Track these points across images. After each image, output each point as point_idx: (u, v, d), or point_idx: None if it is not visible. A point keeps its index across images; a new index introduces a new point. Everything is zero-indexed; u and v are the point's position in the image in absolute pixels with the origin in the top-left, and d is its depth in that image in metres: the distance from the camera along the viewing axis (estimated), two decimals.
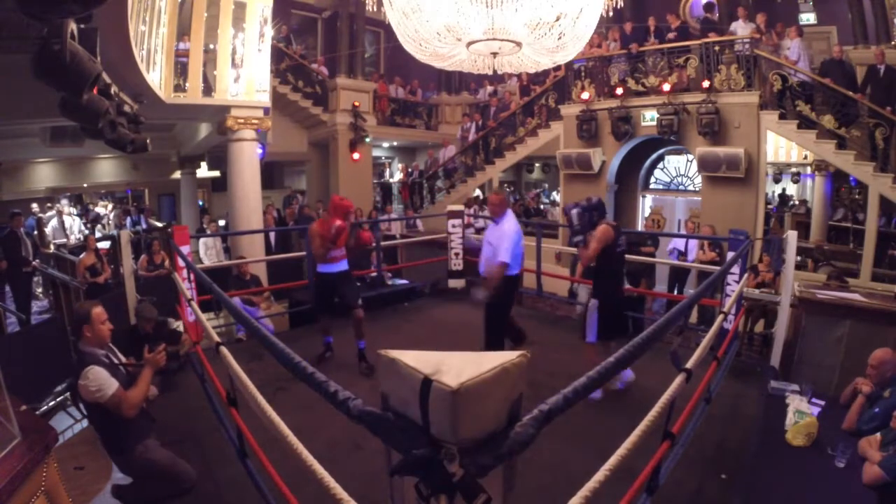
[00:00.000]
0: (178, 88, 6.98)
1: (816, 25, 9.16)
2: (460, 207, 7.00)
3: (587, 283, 4.27)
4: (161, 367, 2.64)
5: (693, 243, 6.93)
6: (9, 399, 1.81)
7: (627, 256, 5.53)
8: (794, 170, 10.27)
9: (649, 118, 8.37)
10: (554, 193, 14.21)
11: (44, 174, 12.58)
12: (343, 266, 4.23)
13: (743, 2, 8.21)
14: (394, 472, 1.15)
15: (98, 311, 2.49)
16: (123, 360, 2.67)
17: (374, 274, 6.45)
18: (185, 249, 4.69)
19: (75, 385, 2.37)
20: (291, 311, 6.41)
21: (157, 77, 6.24)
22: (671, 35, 8.47)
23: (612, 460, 1.42)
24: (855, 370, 3.37)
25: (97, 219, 12.92)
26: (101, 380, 2.33)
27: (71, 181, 13.13)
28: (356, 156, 11.11)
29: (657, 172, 10.01)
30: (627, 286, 5.75)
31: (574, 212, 3.75)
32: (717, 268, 4.81)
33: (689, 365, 2.16)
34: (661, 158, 9.88)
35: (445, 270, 6.53)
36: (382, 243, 6.69)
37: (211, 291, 2.91)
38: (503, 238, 3.80)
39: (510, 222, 3.94)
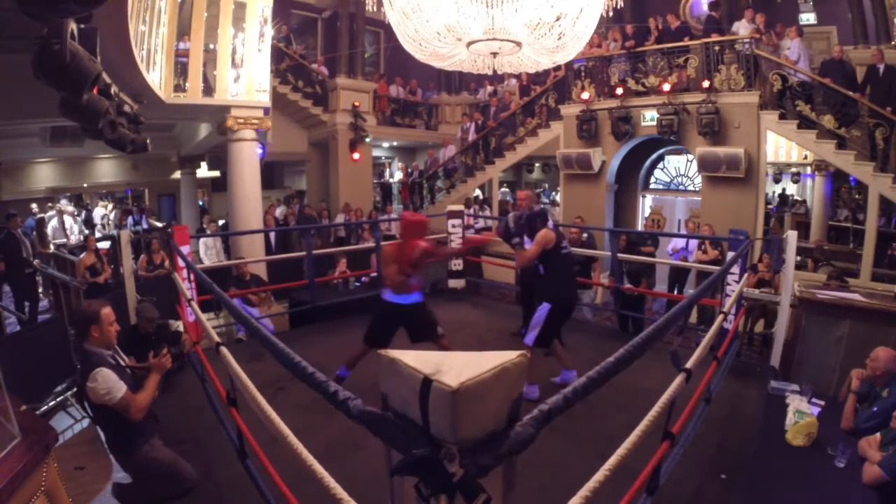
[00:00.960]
0: (178, 88, 6.98)
1: (816, 25, 9.15)
2: (460, 207, 7.00)
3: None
4: (167, 369, 2.64)
5: (693, 243, 6.93)
6: (9, 399, 1.81)
7: (628, 256, 5.58)
8: (794, 170, 10.27)
9: (649, 118, 8.36)
10: (554, 193, 14.21)
11: (44, 174, 12.59)
12: (417, 297, 3.58)
13: (744, 2, 8.21)
14: (394, 472, 1.15)
15: (107, 311, 2.46)
16: (128, 361, 2.67)
17: (374, 274, 6.45)
18: (185, 249, 4.69)
19: (82, 386, 2.35)
20: (291, 311, 6.41)
21: (157, 77, 6.24)
22: (673, 31, 8.46)
23: (612, 460, 1.42)
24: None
25: (89, 220, 12.89)
26: (110, 382, 2.31)
27: (71, 181, 13.14)
28: (356, 156, 11.11)
29: (657, 172, 10.01)
30: (628, 285, 5.75)
31: (510, 215, 3.99)
32: (717, 268, 4.82)
33: (689, 365, 2.16)
34: (661, 158, 9.88)
35: (445, 270, 6.53)
36: (382, 243, 6.68)
37: (211, 291, 2.91)
38: None
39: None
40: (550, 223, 3.68)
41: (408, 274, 3.42)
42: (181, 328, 4.78)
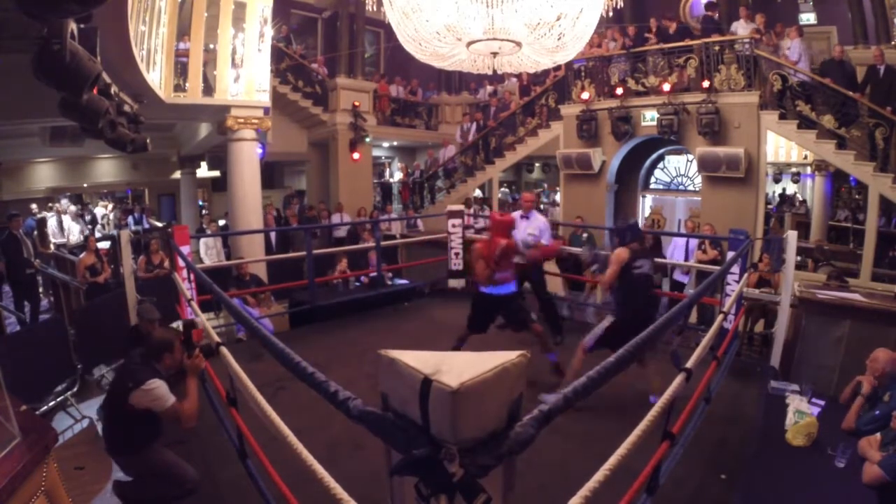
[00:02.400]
0: (178, 88, 6.98)
1: (816, 25, 9.15)
2: (460, 207, 7.00)
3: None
4: (201, 369, 2.72)
5: (693, 244, 6.93)
6: (9, 399, 1.81)
7: None
8: (794, 170, 10.27)
9: (649, 118, 8.36)
10: (554, 193, 14.20)
11: (44, 174, 12.59)
12: (511, 288, 3.89)
13: (743, 2, 8.21)
14: (394, 472, 1.15)
15: (178, 340, 2.69)
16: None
17: (374, 274, 6.45)
18: (186, 249, 4.68)
19: (129, 388, 2.45)
20: (291, 311, 6.41)
21: (157, 77, 6.24)
22: (671, 33, 8.46)
23: (612, 460, 1.42)
24: (855, 370, 3.37)
25: (94, 220, 12.93)
26: (162, 392, 2.49)
27: (71, 181, 13.14)
28: (356, 156, 11.11)
29: (657, 172, 10.00)
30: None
31: (587, 252, 4.00)
32: (717, 268, 4.82)
33: (689, 365, 2.16)
34: (661, 158, 9.88)
35: (445, 270, 6.53)
36: (382, 243, 6.69)
37: (211, 291, 2.91)
38: (546, 228, 4.85)
39: (542, 216, 5.02)
40: (632, 243, 3.54)
41: (492, 269, 3.70)
42: (181, 327, 4.77)
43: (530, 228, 4.82)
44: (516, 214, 4.96)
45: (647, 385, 3.36)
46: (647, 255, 3.63)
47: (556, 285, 6.45)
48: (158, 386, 2.48)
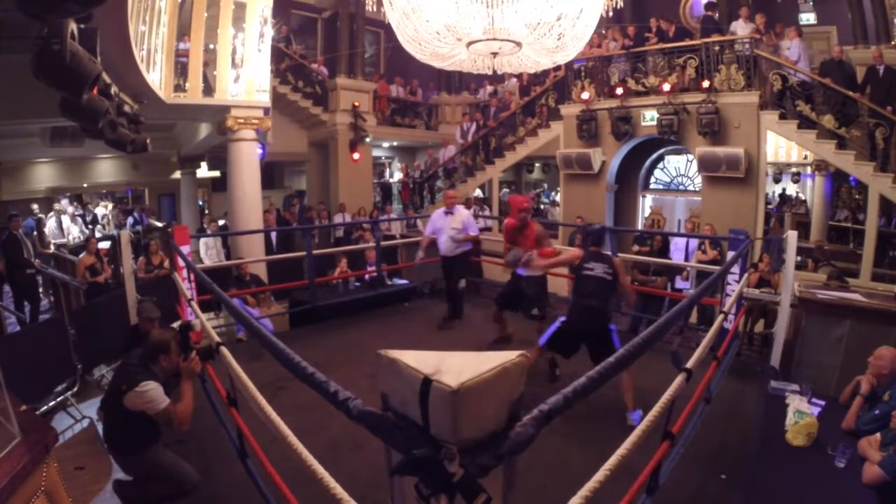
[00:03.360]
0: (178, 88, 6.97)
1: (816, 25, 9.15)
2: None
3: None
4: (197, 373, 2.70)
5: (693, 244, 6.92)
6: (9, 399, 1.81)
7: (633, 256, 5.56)
8: (794, 170, 10.26)
9: (649, 118, 8.36)
10: (554, 193, 14.20)
11: (44, 174, 12.57)
12: (531, 272, 4.03)
13: (743, 2, 8.21)
14: (394, 472, 1.15)
15: (175, 342, 2.65)
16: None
17: (374, 274, 6.45)
18: (186, 249, 4.68)
19: (123, 390, 2.45)
20: (291, 311, 6.41)
21: (157, 77, 6.24)
22: (671, 35, 8.46)
23: (612, 460, 1.42)
24: (855, 370, 3.36)
25: (94, 220, 12.94)
26: (156, 395, 2.47)
27: (71, 181, 13.12)
28: (356, 156, 11.11)
29: (657, 172, 10.00)
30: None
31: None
32: (717, 267, 4.82)
33: (689, 365, 2.16)
34: (661, 158, 9.87)
35: None
36: (382, 243, 6.68)
37: (211, 291, 2.91)
38: (470, 221, 5.19)
39: (465, 210, 5.37)
40: (591, 247, 3.67)
41: (507, 249, 3.92)
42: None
43: (454, 223, 5.13)
44: (440, 211, 5.31)
45: (621, 400, 3.31)
46: (603, 261, 3.58)
47: (559, 286, 6.45)
48: (152, 388, 2.45)
